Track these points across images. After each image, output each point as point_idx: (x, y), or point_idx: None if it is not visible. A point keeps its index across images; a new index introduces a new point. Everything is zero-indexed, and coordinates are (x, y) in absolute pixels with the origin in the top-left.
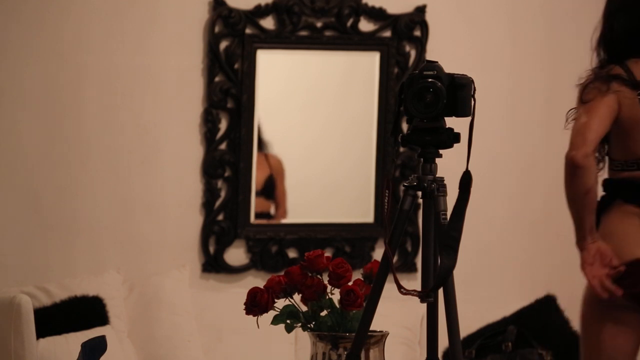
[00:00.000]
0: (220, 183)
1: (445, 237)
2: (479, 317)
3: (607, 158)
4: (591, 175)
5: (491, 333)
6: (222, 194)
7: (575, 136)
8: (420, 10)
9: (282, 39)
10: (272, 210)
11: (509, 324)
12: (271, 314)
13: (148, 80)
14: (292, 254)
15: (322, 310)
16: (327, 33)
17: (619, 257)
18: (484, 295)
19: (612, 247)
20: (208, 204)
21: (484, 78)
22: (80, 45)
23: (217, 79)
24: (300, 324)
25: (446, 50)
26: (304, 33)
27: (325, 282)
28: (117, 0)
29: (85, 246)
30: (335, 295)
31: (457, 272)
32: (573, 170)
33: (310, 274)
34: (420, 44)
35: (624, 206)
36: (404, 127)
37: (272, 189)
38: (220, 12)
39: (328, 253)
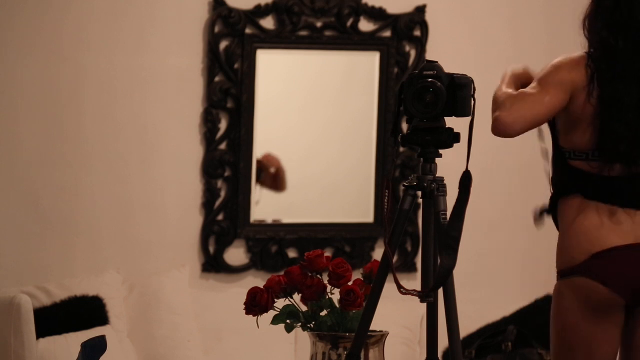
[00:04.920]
0: (220, 183)
1: (445, 237)
2: (479, 317)
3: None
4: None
5: (491, 333)
6: (222, 194)
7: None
8: (420, 10)
9: (282, 39)
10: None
11: (509, 324)
12: (271, 314)
13: (148, 80)
14: (292, 254)
15: (322, 310)
16: (327, 33)
17: (587, 250)
18: (484, 295)
19: (576, 241)
20: (208, 204)
21: (484, 78)
22: (80, 45)
23: (217, 79)
24: (300, 324)
25: (446, 50)
26: (304, 33)
27: (325, 282)
28: (116, 0)
29: (85, 246)
30: (335, 295)
31: (457, 272)
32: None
33: (310, 274)
34: (420, 44)
35: (583, 201)
36: (404, 127)
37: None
38: (220, 12)
39: (328, 253)
